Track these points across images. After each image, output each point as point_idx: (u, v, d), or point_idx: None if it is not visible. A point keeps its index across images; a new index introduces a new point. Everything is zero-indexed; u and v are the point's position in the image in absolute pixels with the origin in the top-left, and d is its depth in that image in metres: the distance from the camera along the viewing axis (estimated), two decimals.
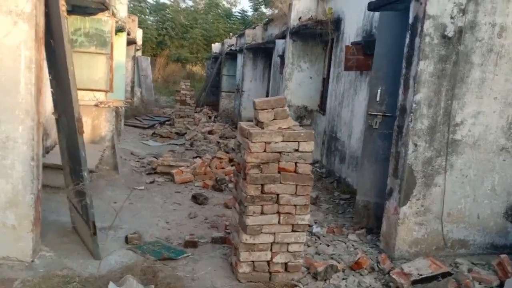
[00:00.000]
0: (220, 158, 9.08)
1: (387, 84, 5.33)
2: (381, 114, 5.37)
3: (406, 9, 5.30)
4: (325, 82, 9.55)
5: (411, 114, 4.66)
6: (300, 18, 9.31)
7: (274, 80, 13.66)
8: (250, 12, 37.75)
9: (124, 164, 8.68)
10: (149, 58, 24.46)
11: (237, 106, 16.66)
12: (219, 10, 38.26)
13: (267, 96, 15.16)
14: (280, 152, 4.04)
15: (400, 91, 4.89)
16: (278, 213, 4.12)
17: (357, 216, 5.65)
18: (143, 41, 31.44)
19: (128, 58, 18.13)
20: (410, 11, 4.81)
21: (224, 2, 41.64)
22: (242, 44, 16.69)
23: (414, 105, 4.64)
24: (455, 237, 4.95)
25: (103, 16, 8.48)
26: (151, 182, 7.57)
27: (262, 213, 4.08)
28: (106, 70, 8.66)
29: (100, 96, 8.61)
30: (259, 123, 4.16)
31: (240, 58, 17.41)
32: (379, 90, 5.34)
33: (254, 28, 15.89)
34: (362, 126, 7.19)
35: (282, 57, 12.46)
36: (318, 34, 9.38)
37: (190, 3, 42.19)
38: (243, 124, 4.33)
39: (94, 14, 8.43)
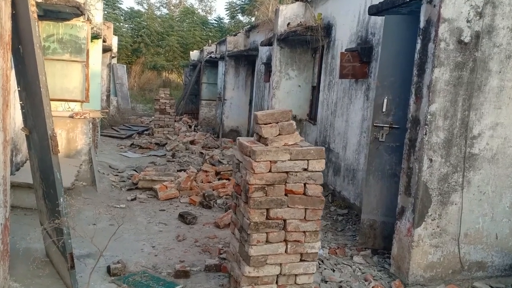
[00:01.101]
0: (206, 171, 8.54)
1: (393, 93, 4.92)
2: (388, 125, 4.95)
3: (411, 13, 4.94)
4: (315, 90, 9.14)
5: (426, 126, 4.25)
6: (288, 24, 8.89)
7: (258, 88, 13.21)
8: (226, 20, 37.42)
9: (102, 179, 8.05)
10: (124, 66, 23.77)
11: (219, 115, 16.13)
12: (195, 18, 37.77)
13: (250, 104, 14.69)
14: (287, 172, 3.56)
15: (411, 101, 4.48)
16: (285, 241, 3.62)
17: (363, 237, 5.20)
18: (118, 49, 30.73)
19: (104, 66, 17.42)
20: (421, 14, 4.41)
21: (199, 10, 41.25)
22: (223, 51, 16.21)
23: (429, 117, 4.23)
24: (473, 259, 4.54)
25: (78, 22, 7.89)
26: (133, 199, 6.97)
27: (267, 241, 3.58)
28: (81, 78, 8.04)
29: (75, 107, 7.98)
30: (262, 139, 3.67)
31: (221, 66, 16.91)
32: (385, 100, 4.93)
33: (235, 35, 15.43)
34: (359, 137, 6.79)
35: (266, 64, 12.04)
36: (307, 41, 8.97)
37: (165, 11, 41.67)
38: (243, 140, 3.83)
39: (68, 19, 7.84)
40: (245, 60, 14.69)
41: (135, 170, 9.10)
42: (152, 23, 35.37)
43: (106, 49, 16.86)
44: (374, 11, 5.27)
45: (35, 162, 4.16)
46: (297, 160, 3.55)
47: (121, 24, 35.58)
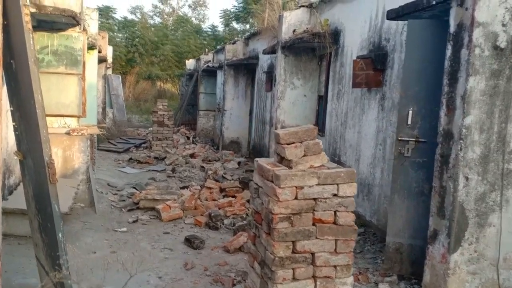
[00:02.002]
0: (210, 188, 8.12)
1: (419, 104, 4.53)
2: (414, 139, 4.56)
3: (433, 17, 4.57)
4: (322, 100, 8.75)
5: (461, 141, 3.85)
6: (294, 31, 8.51)
7: (259, 98, 12.83)
8: (221, 28, 37.13)
9: (101, 199, 7.61)
10: (120, 77, 23.36)
11: (219, 126, 15.72)
12: (189, 26, 37.47)
13: (250, 114, 14.29)
14: (315, 199, 3.15)
15: (442, 112, 4.09)
16: (314, 277, 3.21)
17: (388, 261, 4.78)
18: (113, 59, 30.32)
19: (99, 77, 16.98)
20: (450, 18, 4.04)
21: (193, 19, 40.97)
22: (221, 60, 15.84)
23: (464, 130, 3.84)
24: None
25: (73, 32, 7.48)
26: (135, 221, 6.53)
27: (294, 278, 3.16)
28: (78, 92, 7.62)
29: (72, 123, 7.55)
30: (285, 161, 3.26)
31: (220, 75, 16.53)
32: (410, 112, 4.54)
33: (234, 43, 15.06)
34: (374, 150, 6.39)
35: (267, 73, 11.67)
36: (313, 48, 8.61)
37: (159, 20, 41.35)
38: (263, 163, 3.42)
39: (63, 30, 7.43)
40: (245, 69, 14.31)
41: (135, 188, 8.66)
42: (146, 32, 35.02)
43: (101, 60, 16.42)
44: (393, 15, 4.90)
45: (30, 190, 3.71)
46: (326, 184, 3.15)
47: (115, 34, 35.23)
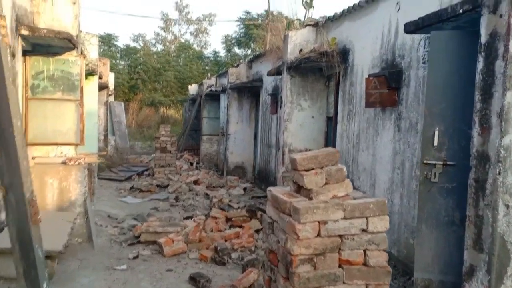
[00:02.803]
0: (216, 218, 7.63)
1: (446, 123, 4.10)
2: (441, 162, 4.11)
3: (457, 28, 4.19)
4: (331, 121, 8.34)
5: (499, 163, 3.41)
6: (301, 50, 8.17)
7: (264, 121, 12.44)
8: (222, 53, 37.19)
9: (100, 233, 7.14)
10: (122, 103, 23.13)
11: (223, 150, 15.31)
12: (191, 52, 37.56)
13: (255, 138, 13.88)
14: (341, 236, 2.70)
15: (475, 132, 3.65)
16: None
17: None
18: (115, 86, 30.21)
19: (100, 104, 16.72)
20: (481, 27, 3.64)
21: (195, 45, 41.11)
22: (224, 84, 15.54)
23: (502, 152, 3.40)
24: None
25: (70, 56, 7.14)
26: (135, 257, 6.03)
27: None
28: (75, 119, 7.25)
29: (69, 151, 7.15)
30: (303, 191, 2.82)
31: (223, 99, 16.21)
32: (436, 132, 4.10)
33: (237, 66, 14.78)
34: (391, 174, 5.94)
35: (272, 95, 11.32)
36: (320, 68, 8.25)
37: (161, 47, 41.50)
38: (277, 193, 2.97)
39: (59, 54, 7.10)
40: (249, 92, 13.98)
41: (136, 219, 8.19)
42: (148, 59, 35.07)
43: (102, 87, 16.18)
44: (412, 28, 4.52)
45: (14, 231, 3.27)
46: (353, 218, 2.70)
47: (118, 61, 35.29)
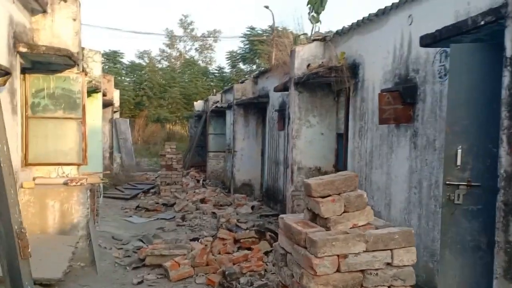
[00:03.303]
0: (223, 239, 7.35)
1: (469, 141, 3.84)
2: (465, 183, 3.83)
3: (477, 40, 3.94)
4: (342, 138, 8.07)
5: None
6: (308, 65, 7.95)
7: (271, 138, 12.19)
8: (227, 69, 37.18)
9: (104, 256, 6.87)
10: (128, 120, 23.04)
11: (230, 167, 15.05)
12: (196, 68, 37.58)
13: (262, 155, 13.62)
14: (363, 271, 2.42)
15: (502, 151, 3.38)
16: None
17: None
18: (120, 103, 30.16)
19: (105, 122, 16.59)
20: (505, 39, 3.40)
21: (200, 62, 41.18)
22: (230, 100, 15.36)
23: None
24: None
25: (71, 73, 6.98)
26: (140, 283, 5.76)
27: None
28: (77, 138, 7.05)
29: (71, 171, 6.94)
30: (319, 219, 2.56)
31: (229, 115, 16.00)
32: (458, 150, 3.83)
33: (243, 82, 14.60)
34: (407, 194, 5.65)
35: (279, 111, 11.10)
36: (328, 83, 8.02)
37: (166, 63, 41.59)
38: (291, 221, 2.71)
39: (60, 71, 6.93)
40: (255, 108, 13.77)
41: (141, 240, 7.92)
42: (153, 76, 35.10)
43: (107, 104, 16.05)
44: (428, 41, 4.29)
45: (5, 264, 3.03)
46: (377, 251, 2.43)
47: (123, 78, 35.32)
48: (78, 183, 6.43)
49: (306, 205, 2.70)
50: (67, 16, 7.01)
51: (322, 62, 7.78)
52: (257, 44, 32.37)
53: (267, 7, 30.14)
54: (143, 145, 30.00)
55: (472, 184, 3.84)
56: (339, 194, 2.53)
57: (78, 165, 7.02)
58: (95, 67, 11.89)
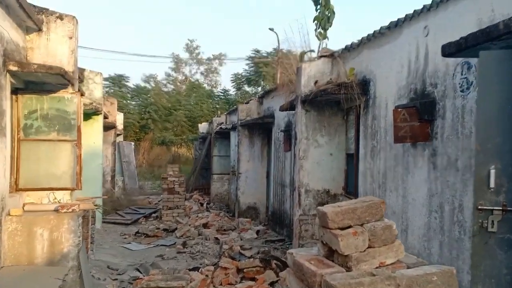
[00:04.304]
0: (226, 269, 6.82)
1: (503, 160, 3.36)
2: (500, 208, 3.34)
3: (507, 48, 3.50)
4: (352, 159, 7.60)
5: None
6: (316, 82, 7.55)
7: (277, 159, 11.73)
8: (232, 92, 37.09)
9: (97, 287, 6.37)
10: (132, 143, 22.74)
11: (234, 190, 14.57)
12: (201, 92, 37.48)
13: (268, 177, 13.13)
14: None
15: None
16: None
17: None
18: (126, 126, 29.98)
19: (108, 145, 16.28)
20: None
21: (205, 85, 41.12)
22: (235, 121, 14.97)
23: None
24: None
25: (65, 94, 6.59)
26: None
27: None
28: (71, 161, 6.61)
29: (64, 197, 6.49)
30: (338, 257, 2.09)
31: (233, 137, 15.60)
32: (491, 171, 3.36)
33: (247, 102, 14.24)
34: (427, 219, 5.15)
35: (285, 132, 10.68)
36: (337, 101, 7.62)
37: (172, 87, 41.56)
38: (302, 259, 2.23)
39: (54, 91, 6.56)
40: (260, 128, 13.36)
41: (138, 270, 7.41)
42: (159, 99, 35.00)
43: (109, 126, 15.75)
44: (452, 50, 3.85)
45: None
46: None
47: (128, 101, 35.21)
48: (70, 210, 5.97)
49: (321, 238, 2.23)
50: (63, 34, 6.68)
51: (330, 79, 7.38)
52: (262, 67, 32.30)
53: (272, 29, 30.15)
54: (147, 168, 29.71)
55: (508, 209, 3.34)
56: (361, 225, 2.07)
57: (72, 189, 6.57)
58: (96, 89, 11.57)
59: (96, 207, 7.21)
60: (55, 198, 6.40)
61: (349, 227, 2.07)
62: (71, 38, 6.68)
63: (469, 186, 4.42)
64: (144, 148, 32.27)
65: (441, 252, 4.87)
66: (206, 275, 6.55)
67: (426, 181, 5.22)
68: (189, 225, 11.57)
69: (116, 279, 6.94)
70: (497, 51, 3.55)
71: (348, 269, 2.03)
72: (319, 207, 2.21)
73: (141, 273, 7.24)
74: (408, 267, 2.08)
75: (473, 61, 4.59)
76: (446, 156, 4.85)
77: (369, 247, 2.06)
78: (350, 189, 7.74)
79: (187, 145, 34.16)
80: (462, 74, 4.77)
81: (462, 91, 4.74)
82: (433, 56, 5.26)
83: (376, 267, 2.04)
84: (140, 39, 64.11)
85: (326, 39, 8.52)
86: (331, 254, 2.17)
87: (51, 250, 5.83)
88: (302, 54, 8.67)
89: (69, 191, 6.55)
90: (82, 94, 8.15)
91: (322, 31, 8.56)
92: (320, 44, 8.45)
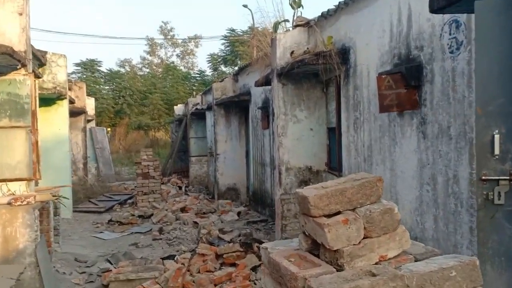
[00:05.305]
0: (203, 255, 6.36)
1: (508, 123, 2.92)
2: (507, 178, 2.91)
3: None
4: (335, 133, 7.14)
5: None
6: (292, 52, 7.01)
7: (255, 138, 11.24)
8: (209, 72, 36.27)
9: (61, 283, 5.86)
10: (105, 129, 21.91)
11: (212, 172, 14.06)
12: (177, 74, 36.51)
13: (247, 157, 12.64)
14: None
15: None
16: None
17: None
18: (100, 112, 29.04)
19: (78, 131, 15.59)
20: None
21: (182, 67, 40.11)
22: (210, 101, 14.38)
23: None
24: None
25: (17, 76, 5.93)
26: None
27: None
28: (26, 149, 5.98)
29: (20, 188, 5.87)
30: (326, 252, 1.59)
31: (209, 117, 15.04)
32: (496, 136, 2.91)
33: (222, 81, 13.64)
34: (419, 191, 4.76)
35: (262, 108, 10.19)
36: (315, 73, 7.12)
37: (148, 71, 40.42)
38: (279, 256, 1.74)
39: (4, 73, 5.91)
40: (236, 107, 12.81)
41: (109, 261, 6.89)
42: (133, 83, 34.00)
43: (78, 112, 15.04)
44: (442, 4, 3.35)
45: None
46: None
47: (101, 86, 34.10)
48: (24, 202, 5.38)
49: (303, 228, 1.74)
50: (12, 10, 5.97)
51: (307, 49, 6.85)
52: (238, 46, 31.52)
53: (246, 6, 29.26)
54: (125, 154, 28.95)
55: None
56: (353, 210, 1.59)
57: (28, 180, 5.95)
58: (60, 72, 10.83)
59: (55, 197, 6.61)
60: (9, 190, 5.79)
61: (338, 213, 1.59)
62: (21, 14, 5.98)
63: (464, 155, 4.01)
64: (120, 134, 31.47)
65: (436, 226, 4.48)
66: (182, 263, 6.08)
67: (415, 151, 4.79)
68: (166, 210, 11.05)
69: (84, 272, 6.42)
70: (495, 0, 3.07)
71: (340, 267, 1.55)
72: (298, 190, 1.73)
73: (112, 264, 6.73)
74: (416, 260, 1.63)
75: (462, 18, 4.14)
76: (437, 124, 4.42)
77: (365, 237, 1.58)
78: (334, 165, 7.30)
79: (165, 128, 33.43)
80: (450, 34, 4.31)
81: (451, 52, 4.28)
82: (417, 16, 4.79)
83: (376, 263, 1.57)
84: (112, 23, 62.19)
85: (301, 7, 7.96)
86: (317, 247, 1.69)
87: (4, 247, 5.28)
88: (276, 24, 8.12)
89: (26, 182, 5.94)
90: (38, 77, 7.49)
91: None
92: (295, 13, 7.89)
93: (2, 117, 5.90)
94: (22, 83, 5.99)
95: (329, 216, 1.60)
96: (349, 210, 1.62)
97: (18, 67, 5.80)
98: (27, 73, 6.02)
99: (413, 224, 4.85)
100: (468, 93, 4.00)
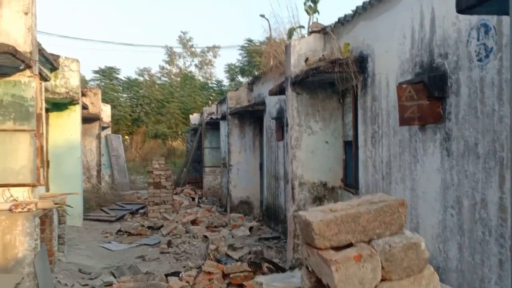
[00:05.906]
0: (210, 273, 6.04)
1: None
2: None
3: None
4: (351, 147, 6.79)
5: None
6: (307, 59, 6.72)
7: (270, 149, 10.93)
8: (226, 82, 36.25)
9: None
10: (120, 136, 21.86)
11: (225, 183, 13.77)
12: (195, 83, 36.55)
13: (261, 169, 12.31)
14: None
15: None
16: None
17: None
18: (117, 119, 29.12)
19: (92, 138, 15.53)
20: None
21: (200, 77, 40.15)
22: (224, 110, 14.15)
23: None
24: None
25: (22, 77, 5.81)
26: None
27: None
28: (31, 154, 5.82)
29: (23, 194, 5.69)
30: None
31: (223, 127, 14.79)
32: None
33: (237, 90, 13.41)
34: (442, 215, 4.37)
35: (277, 119, 9.90)
36: (331, 82, 6.80)
37: (166, 80, 40.54)
38: None
39: (8, 75, 5.76)
40: (251, 117, 12.55)
41: (113, 274, 6.62)
42: (151, 91, 34.11)
43: (93, 118, 14.99)
44: (472, 2, 3.02)
45: None
46: None
47: (119, 94, 34.28)
48: (25, 209, 5.17)
49: (306, 262, 1.43)
50: (18, 9, 5.86)
51: (322, 55, 6.55)
52: (255, 56, 31.40)
53: (263, 15, 29.08)
54: (141, 162, 28.91)
55: None
56: (369, 242, 1.27)
57: (32, 186, 5.77)
58: (72, 77, 10.76)
59: (57, 205, 6.39)
60: (12, 196, 5.60)
61: (349, 245, 1.27)
62: (26, 14, 5.86)
63: (494, 176, 3.61)
64: (137, 142, 31.50)
65: (461, 256, 4.08)
66: (187, 281, 5.78)
67: (439, 170, 4.41)
68: (176, 222, 10.79)
69: (87, 285, 6.17)
70: None
71: None
72: (300, 212, 1.42)
73: (115, 277, 6.46)
74: None
75: (492, 22, 3.78)
76: (463, 140, 4.05)
77: (383, 279, 1.26)
78: (350, 181, 6.94)
79: (182, 138, 33.38)
80: (478, 40, 3.95)
81: (479, 60, 3.92)
82: (441, 21, 4.43)
83: None
84: (132, 32, 62.99)
85: (317, 13, 7.68)
86: (322, 287, 1.37)
87: (3, 256, 5.09)
88: (291, 30, 7.84)
89: (29, 188, 5.75)
90: (45, 79, 7.34)
91: (311, 5, 7.71)
92: (310, 19, 7.61)
93: (6, 119, 5.78)
94: (27, 85, 5.86)
95: (338, 248, 1.29)
96: (364, 242, 1.30)
97: (21, 67, 5.66)
98: (32, 74, 5.89)
99: (435, 251, 4.46)
100: (498, 106, 3.62)
